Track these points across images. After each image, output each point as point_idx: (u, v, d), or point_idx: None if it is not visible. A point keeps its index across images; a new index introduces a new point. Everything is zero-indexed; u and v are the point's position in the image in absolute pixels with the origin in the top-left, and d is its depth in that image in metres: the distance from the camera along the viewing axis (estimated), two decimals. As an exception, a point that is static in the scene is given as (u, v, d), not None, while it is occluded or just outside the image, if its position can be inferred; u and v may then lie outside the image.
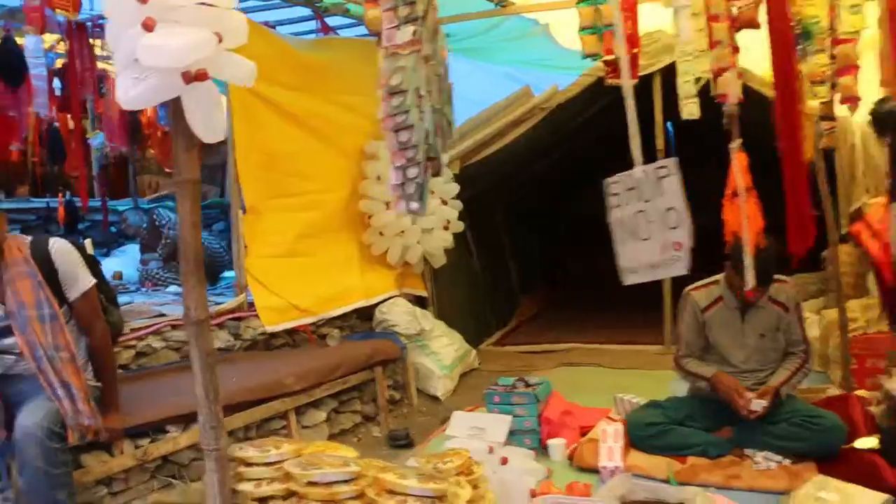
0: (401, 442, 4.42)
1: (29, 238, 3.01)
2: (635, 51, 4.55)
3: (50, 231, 7.89)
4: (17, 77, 4.70)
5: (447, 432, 3.89)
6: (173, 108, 2.43)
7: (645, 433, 3.71)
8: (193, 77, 2.30)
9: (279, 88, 5.06)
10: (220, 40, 2.35)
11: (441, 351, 5.40)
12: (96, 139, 5.09)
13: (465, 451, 3.00)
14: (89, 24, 5.72)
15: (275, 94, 5.02)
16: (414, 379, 5.19)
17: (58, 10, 3.95)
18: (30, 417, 2.76)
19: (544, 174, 8.28)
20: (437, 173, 2.48)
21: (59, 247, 3.00)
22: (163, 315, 4.47)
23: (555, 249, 10.00)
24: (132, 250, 6.90)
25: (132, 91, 2.29)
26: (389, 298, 5.58)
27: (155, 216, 6.20)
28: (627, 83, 2.88)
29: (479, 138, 6.21)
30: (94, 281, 3.08)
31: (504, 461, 3.40)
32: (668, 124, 7.33)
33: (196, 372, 2.48)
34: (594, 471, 3.60)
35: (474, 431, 3.81)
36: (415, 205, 2.40)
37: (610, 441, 3.63)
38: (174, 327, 4.24)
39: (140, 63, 2.29)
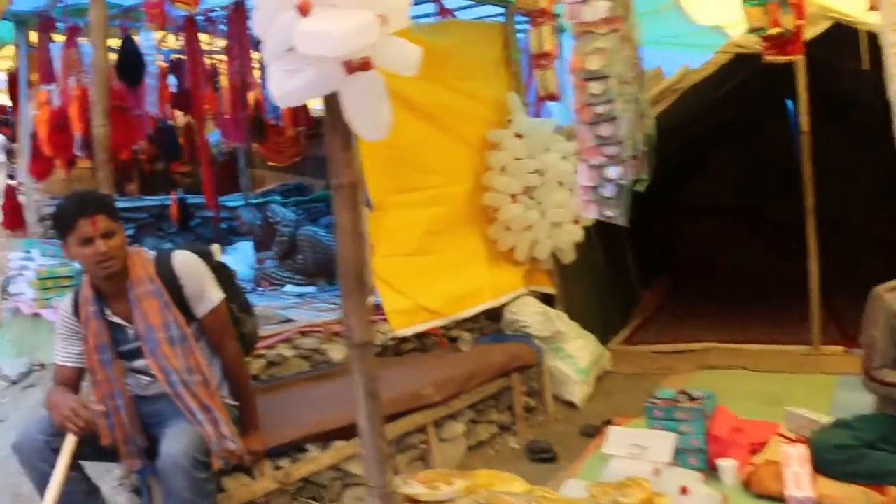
0: (543, 456, 4.09)
1: (153, 253, 2.80)
2: (801, 23, 4.05)
3: (163, 229, 7.86)
4: (137, 76, 4.54)
5: (605, 450, 3.52)
6: (329, 103, 2.11)
7: (834, 457, 3.24)
8: (356, 67, 1.98)
9: (401, 77, 4.75)
10: (384, 23, 2.02)
11: (576, 354, 5.02)
12: (212, 135, 4.91)
13: (644, 482, 2.64)
14: (201, 17, 5.58)
15: (397, 83, 4.68)
16: (549, 385, 4.83)
17: (177, 4, 3.75)
18: (175, 445, 2.54)
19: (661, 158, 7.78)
20: (638, 175, 2.09)
21: (183, 261, 2.76)
22: (290, 321, 4.24)
23: (668, 237, 9.46)
24: (245, 248, 6.76)
25: (286, 85, 1.99)
26: (518, 297, 5.24)
27: (268, 213, 6.01)
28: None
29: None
30: (222, 296, 2.84)
31: (684, 491, 3.00)
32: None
33: (359, 399, 2.20)
34: (776, 499, 3.17)
35: (635, 450, 3.42)
36: (611, 212, 2.04)
37: (795, 466, 3.18)
38: (304, 334, 4.01)
39: (294, 53, 1.99)
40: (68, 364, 2.78)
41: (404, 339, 4.55)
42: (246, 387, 2.94)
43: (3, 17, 5.30)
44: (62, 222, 2.57)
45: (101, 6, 3.34)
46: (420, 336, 4.66)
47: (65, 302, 2.82)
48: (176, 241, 7.85)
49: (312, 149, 8.45)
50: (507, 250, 5.36)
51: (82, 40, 5.25)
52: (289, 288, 5.68)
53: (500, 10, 5.70)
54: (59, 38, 5.94)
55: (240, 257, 6.68)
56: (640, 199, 2.94)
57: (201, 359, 2.70)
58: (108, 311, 2.69)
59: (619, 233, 7.72)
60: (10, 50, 8.57)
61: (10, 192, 5.75)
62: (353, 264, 2.15)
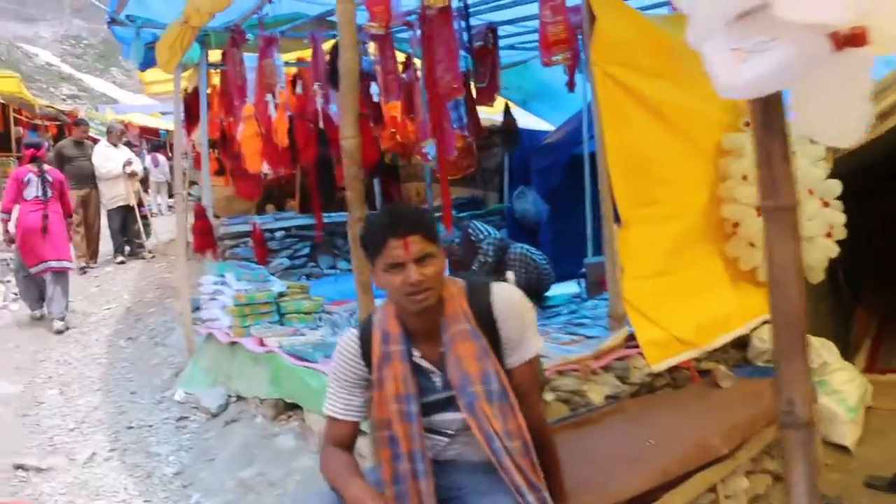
0: (839, 516, 3.37)
1: (464, 282, 2.21)
2: None
3: (338, 247, 7.52)
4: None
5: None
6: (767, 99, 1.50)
7: None
8: (847, 41, 1.36)
9: (641, 76, 4.13)
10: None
11: (843, 388, 4.25)
12: (429, 147, 4.43)
13: None
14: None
15: (637, 83, 4.10)
16: (819, 425, 4.08)
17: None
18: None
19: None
20: None
21: (506, 297, 2.17)
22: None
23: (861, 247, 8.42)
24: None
25: (745, 71, 1.39)
26: (765, 323, 4.51)
27: (469, 230, 5.50)
28: None
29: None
30: (540, 345, 2.27)
31: None
32: None
33: (797, 497, 1.57)
34: None
35: None
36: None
37: None
38: (560, 373, 3.43)
39: (749, 24, 1.39)
40: (348, 418, 2.24)
41: (657, 375, 3.92)
42: (555, 455, 2.35)
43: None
44: (370, 242, 2.07)
45: (347, 1, 2.89)
46: (671, 370, 4.01)
47: (346, 341, 2.25)
48: (351, 259, 7.51)
49: (483, 160, 7.98)
50: (748, 269, 4.64)
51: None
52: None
53: None
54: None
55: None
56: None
57: (522, 422, 2.14)
58: (415, 353, 2.17)
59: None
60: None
61: (200, 212, 5.48)
62: (795, 317, 1.54)
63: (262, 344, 4.52)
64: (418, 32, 4.88)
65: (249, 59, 5.56)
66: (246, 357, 4.73)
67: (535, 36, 7.01)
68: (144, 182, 10.68)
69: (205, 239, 5.35)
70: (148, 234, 10.72)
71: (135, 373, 5.82)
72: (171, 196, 17.05)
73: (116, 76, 47.08)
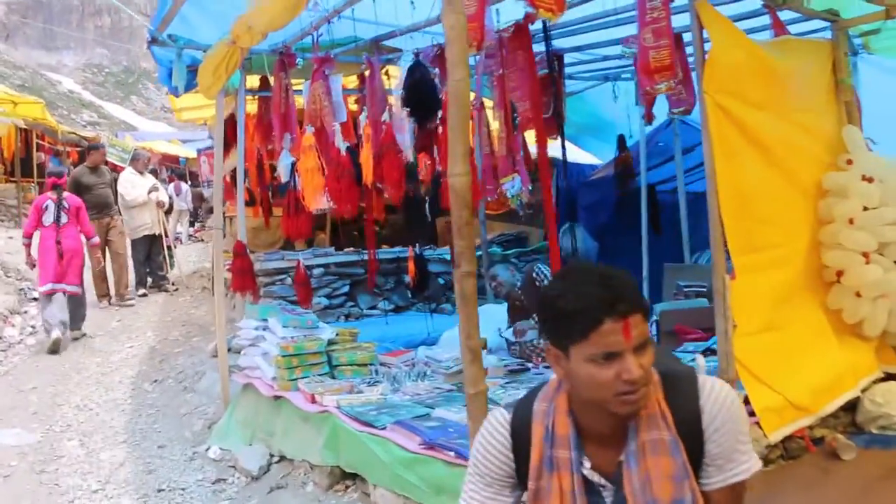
0: None
1: (657, 370, 1.59)
2: None
3: (378, 287, 6.99)
4: (431, 111, 3.59)
5: None
6: None
7: None
8: None
9: (749, 107, 3.64)
10: None
11: None
12: (511, 183, 3.91)
13: None
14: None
15: (746, 115, 3.61)
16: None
17: (541, 12, 2.77)
18: None
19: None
20: None
21: (718, 396, 1.59)
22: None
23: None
24: (492, 312, 5.77)
25: None
26: (877, 382, 3.96)
27: (535, 273, 4.95)
28: None
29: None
30: (757, 463, 1.65)
31: None
32: None
33: None
34: None
35: None
36: None
37: None
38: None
39: None
40: None
41: (773, 447, 3.35)
42: None
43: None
44: (572, 322, 1.48)
45: (457, 12, 2.38)
46: (783, 439, 3.44)
47: (494, 427, 1.70)
48: (393, 298, 6.97)
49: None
50: (854, 322, 4.10)
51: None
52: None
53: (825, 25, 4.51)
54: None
55: (482, 323, 5.65)
56: None
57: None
58: (585, 462, 1.62)
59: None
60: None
61: (240, 250, 4.95)
62: None
63: (313, 401, 3.97)
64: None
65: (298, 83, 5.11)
66: (293, 414, 4.18)
67: (594, 66, 6.61)
68: (168, 211, 10.20)
69: (245, 279, 4.82)
70: (172, 265, 10.23)
71: (163, 422, 5.27)
72: (192, 225, 16.63)
73: (136, 104, 47.18)
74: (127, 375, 6.36)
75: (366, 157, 4.12)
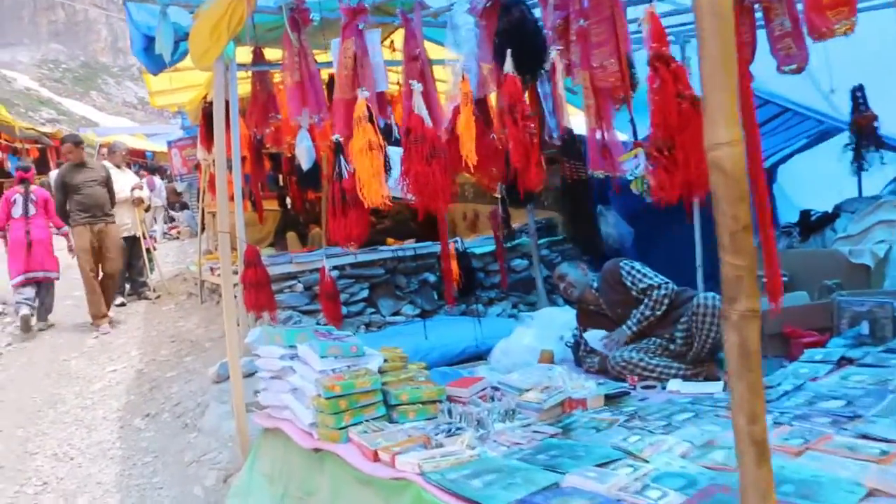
0: None
1: None
2: None
3: (400, 286, 5.91)
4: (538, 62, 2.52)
5: None
6: None
7: None
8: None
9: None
10: None
11: None
12: (633, 161, 2.88)
13: None
14: None
15: None
16: None
17: None
18: None
19: None
20: None
21: None
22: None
23: None
24: (549, 317, 4.75)
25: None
26: None
27: (624, 270, 3.93)
28: None
29: None
30: None
31: None
32: None
33: None
34: None
35: None
36: None
37: None
38: None
39: None
40: None
41: None
42: None
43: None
44: None
45: None
46: None
47: None
48: (418, 301, 5.89)
49: (552, 178, 6.41)
50: None
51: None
52: (674, 384, 3.59)
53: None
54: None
55: (543, 331, 4.62)
56: None
57: None
58: None
59: None
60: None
61: (253, 258, 3.84)
62: None
63: (376, 458, 2.91)
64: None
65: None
66: (345, 473, 3.10)
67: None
68: (146, 209, 8.97)
69: (261, 295, 3.73)
70: (151, 269, 9.01)
71: (164, 473, 4.16)
72: (167, 222, 15.31)
73: (96, 99, 45.14)
74: (112, 409, 5.21)
75: (464, 127, 3.04)
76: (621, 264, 4.10)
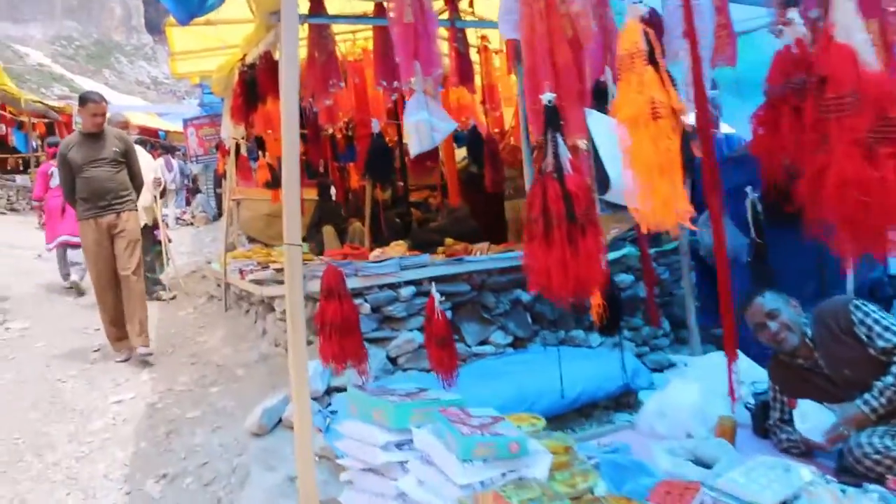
0: None
1: None
2: None
3: (488, 307, 4.50)
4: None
5: None
6: None
7: None
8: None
9: None
10: None
11: None
12: None
13: None
14: None
15: None
16: None
17: None
18: None
19: None
20: None
21: None
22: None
23: None
24: (712, 365, 3.37)
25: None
26: None
27: (858, 313, 2.55)
28: None
29: None
30: None
31: None
32: None
33: None
34: None
35: None
36: None
37: None
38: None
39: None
40: None
41: None
42: None
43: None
44: None
45: None
46: None
47: None
48: (509, 326, 4.49)
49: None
50: None
51: None
52: None
53: None
54: None
55: (708, 384, 3.24)
56: None
57: None
58: None
59: None
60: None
61: (336, 284, 2.44)
62: None
63: None
64: None
65: None
66: None
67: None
68: (162, 194, 7.54)
69: (347, 343, 2.33)
70: (166, 264, 7.60)
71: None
72: (179, 206, 13.92)
73: (109, 77, 43.61)
74: (116, 462, 3.81)
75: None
76: (851, 307, 2.71)
